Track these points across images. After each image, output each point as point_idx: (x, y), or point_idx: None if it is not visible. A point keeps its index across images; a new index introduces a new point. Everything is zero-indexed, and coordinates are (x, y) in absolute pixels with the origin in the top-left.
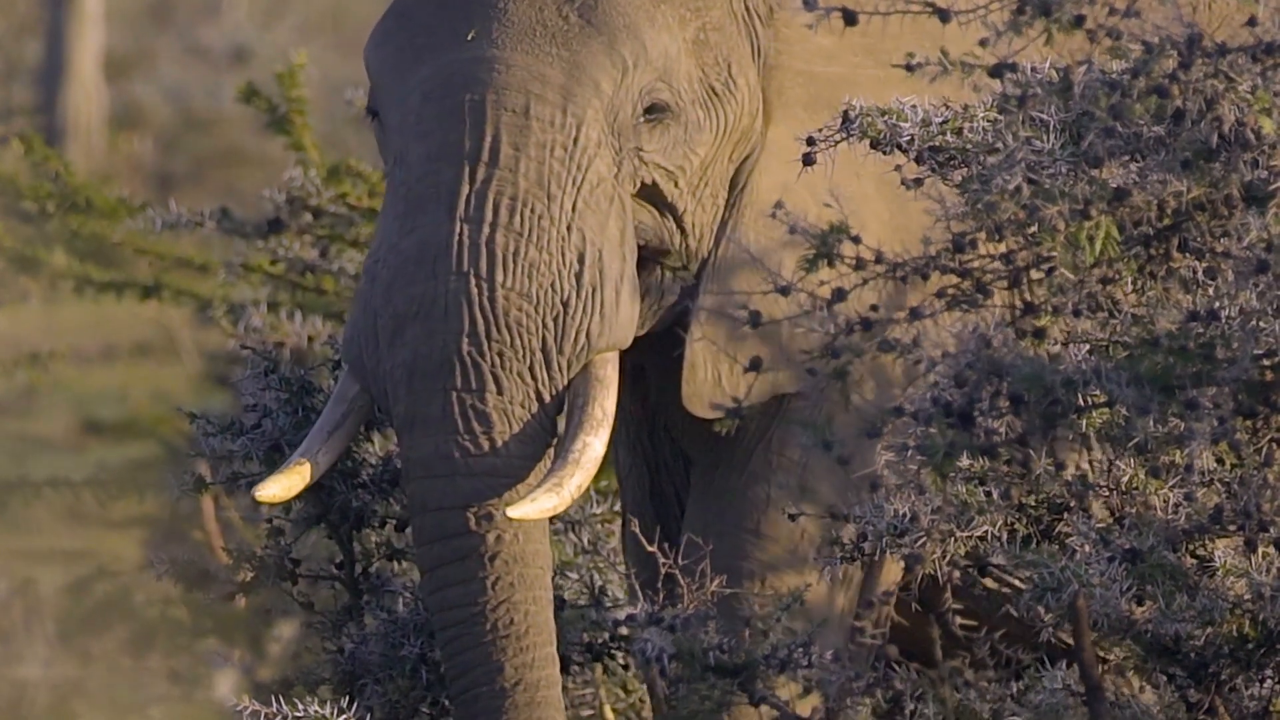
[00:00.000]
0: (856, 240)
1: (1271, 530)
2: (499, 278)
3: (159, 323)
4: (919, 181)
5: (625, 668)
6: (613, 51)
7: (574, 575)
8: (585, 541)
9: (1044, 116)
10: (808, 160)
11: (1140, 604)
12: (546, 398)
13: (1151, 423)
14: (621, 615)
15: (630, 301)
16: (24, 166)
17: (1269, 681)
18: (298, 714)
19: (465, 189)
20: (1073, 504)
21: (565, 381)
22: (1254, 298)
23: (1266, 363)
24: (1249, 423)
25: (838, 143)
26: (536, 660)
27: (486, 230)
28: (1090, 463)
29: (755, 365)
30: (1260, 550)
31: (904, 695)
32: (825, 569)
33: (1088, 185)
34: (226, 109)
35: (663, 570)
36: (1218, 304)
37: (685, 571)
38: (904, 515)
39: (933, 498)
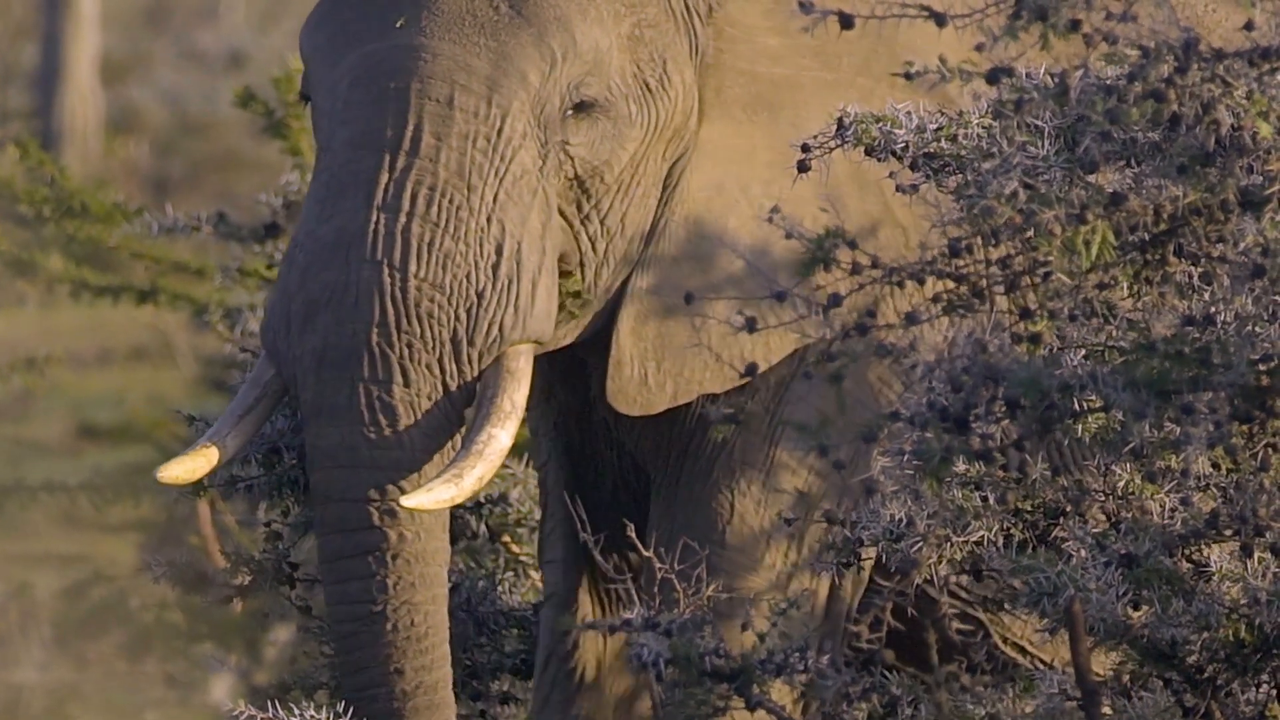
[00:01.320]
0: (853, 245)
1: (1268, 535)
2: (412, 267)
3: (155, 327)
4: (914, 188)
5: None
6: (541, 43)
7: None
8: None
9: (1039, 122)
10: (802, 167)
11: (1136, 609)
12: (455, 390)
13: (1147, 428)
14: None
15: (548, 295)
16: (20, 171)
17: (1265, 686)
18: (294, 719)
19: (384, 177)
20: (1069, 509)
21: (475, 374)
22: (1250, 303)
23: (1262, 368)
24: (1245, 428)
25: (832, 149)
26: (434, 661)
27: (403, 219)
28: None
29: (751, 371)
30: (1256, 555)
31: (900, 700)
32: (820, 573)
33: (1083, 190)
34: (223, 113)
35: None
36: (1213, 309)
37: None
38: (900, 520)
39: (929, 503)
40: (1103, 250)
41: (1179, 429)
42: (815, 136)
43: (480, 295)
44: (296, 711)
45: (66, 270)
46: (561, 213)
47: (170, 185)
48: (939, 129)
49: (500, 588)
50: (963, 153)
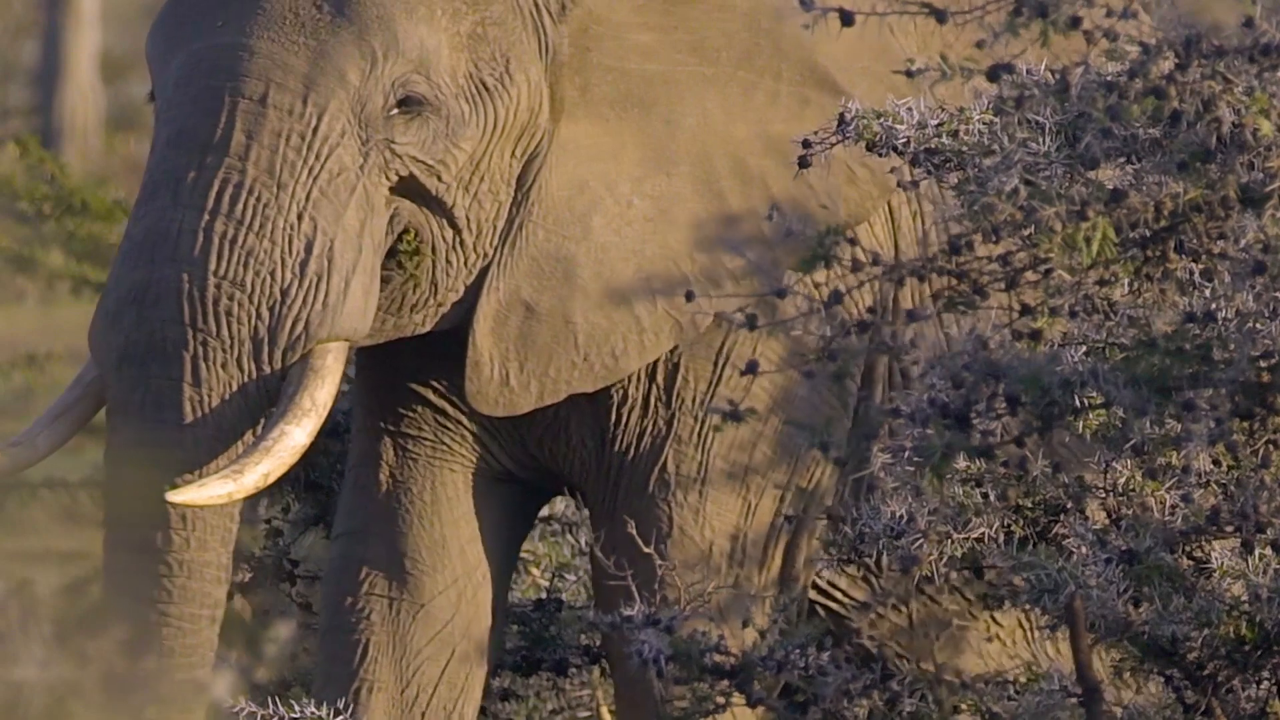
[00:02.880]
0: (853, 242)
1: (1268, 532)
2: (211, 265)
3: None
4: (915, 184)
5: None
6: (362, 42)
7: (572, 577)
8: (583, 543)
9: (1040, 118)
10: (803, 163)
11: (1137, 605)
12: (251, 389)
13: (1148, 424)
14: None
15: (363, 293)
16: (20, 168)
17: (1265, 683)
18: (294, 715)
19: (192, 175)
20: (1070, 505)
21: (278, 372)
22: (1250, 299)
23: (1263, 364)
24: (1246, 424)
25: (833, 145)
26: (182, 668)
27: (206, 217)
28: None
29: (752, 368)
30: (1257, 552)
31: (901, 696)
32: (822, 567)
33: (1084, 187)
34: None
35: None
36: (1214, 305)
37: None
38: (901, 517)
39: (929, 499)
40: (1103, 247)
41: (1180, 425)
42: (816, 133)
43: (285, 293)
44: (297, 708)
45: (67, 267)
46: (406, 208)
47: None
48: (940, 125)
49: None
50: (964, 149)
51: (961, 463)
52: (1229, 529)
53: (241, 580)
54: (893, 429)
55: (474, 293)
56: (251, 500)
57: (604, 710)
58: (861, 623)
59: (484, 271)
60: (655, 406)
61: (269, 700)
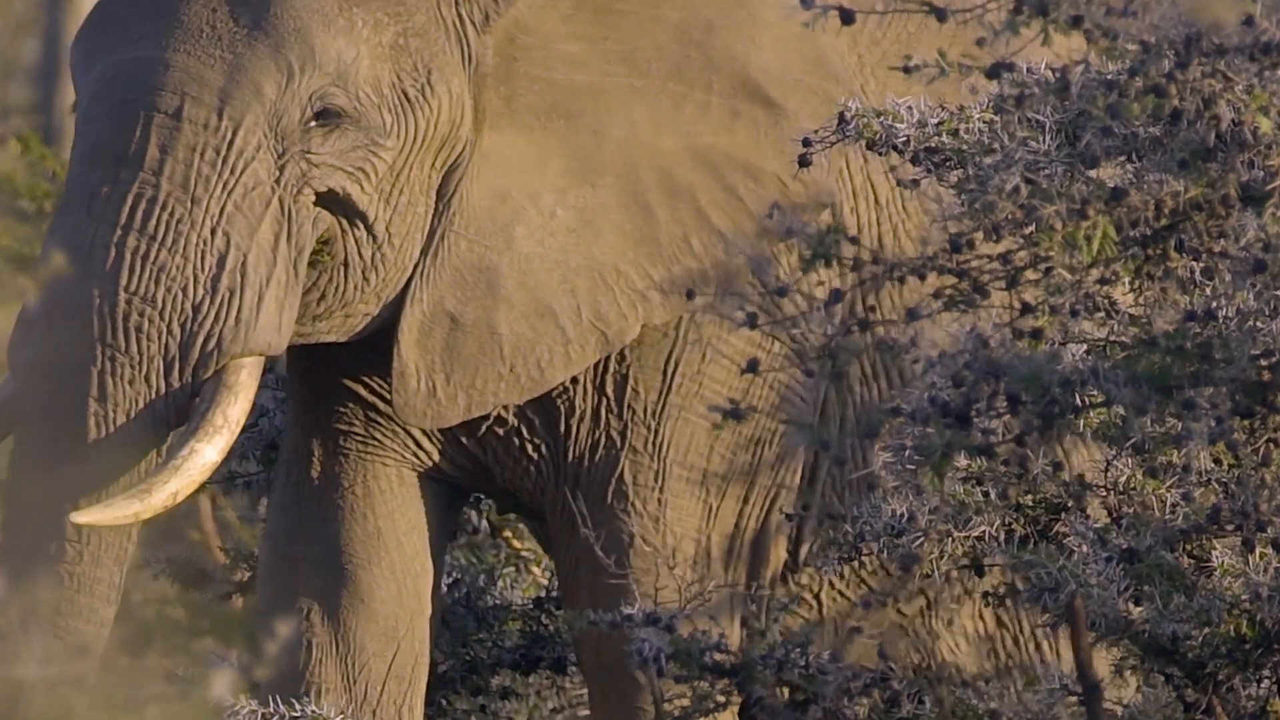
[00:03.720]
0: (854, 241)
1: (1269, 530)
2: (122, 281)
3: None
4: (916, 183)
5: None
6: (278, 55)
7: None
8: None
9: (1041, 117)
10: (803, 162)
11: (1138, 604)
12: (160, 406)
13: (1149, 423)
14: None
15: (277, 307)
16: (21, 165)
17: (1266, 682)
18: (294, 714)
19: (106, 190)
20: (1070, 504)
21: (190, 388)
22: (1251, 298)
23: (1264, 363)
24: (1246, 423)
25: (833, 144)
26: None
27: (119, 232)
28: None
29: (753, 367)
30: (1258, 550)
31: (901, 695)
32: (823, 568)
33: (1085, 185)
34: None
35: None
36: (1215, 304)
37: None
38: (901, 515)
39: (930, 498)
40: (1104, 245)
41: (1180, 424)
42: (816, 131)
43: (197, 309)
44: (297, 707)
45: None
46: (325, 219)
47: None
48: (940, 124)
49: (500, 583)
50: (964, 147)
51: (962, 461)
52: (1229, 527)
53: (241, 580)
54: (893, 427)
55: (397, 304)
56: (251, 500)
57: None
58: (862, 621)
59: (407, 283)
60: (607, 418)
61: (270, 699)
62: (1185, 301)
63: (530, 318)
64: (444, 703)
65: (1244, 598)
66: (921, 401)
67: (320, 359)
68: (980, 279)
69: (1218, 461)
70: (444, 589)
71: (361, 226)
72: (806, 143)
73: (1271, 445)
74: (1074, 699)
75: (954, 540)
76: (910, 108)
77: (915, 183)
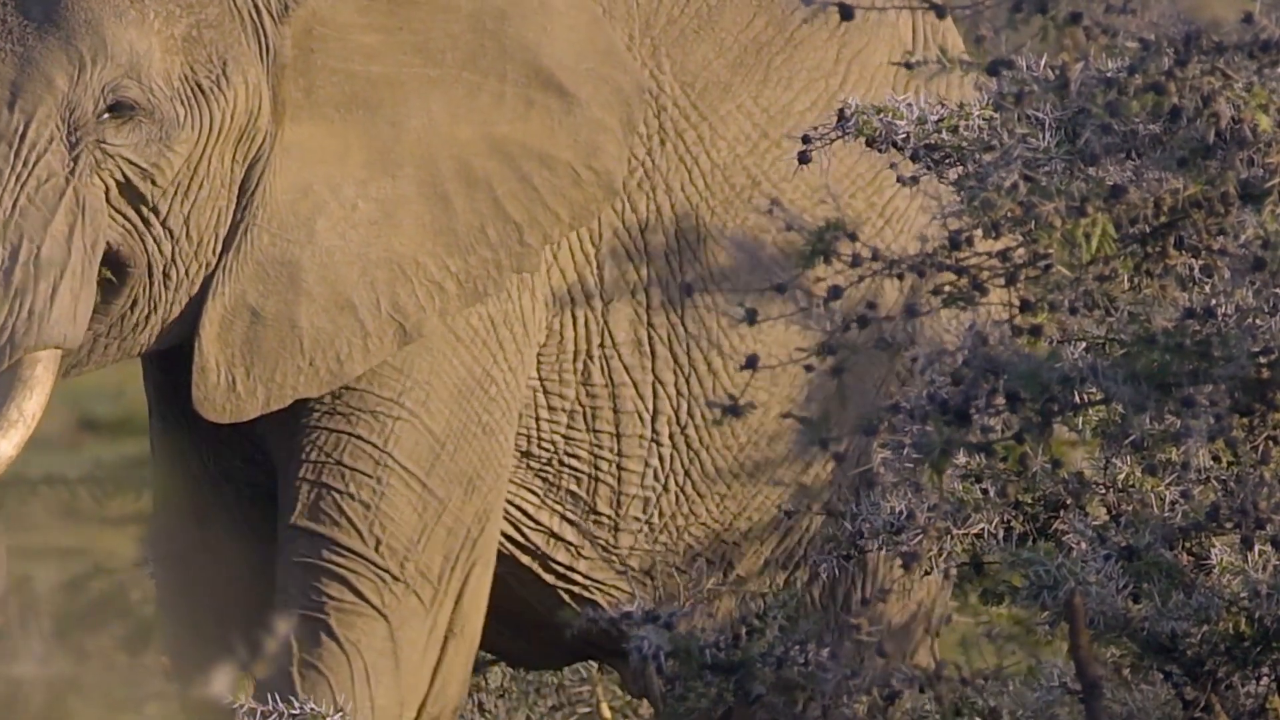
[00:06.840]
0: (853, 237)
1: (1268, 528)
2: None
3: None
4: (915, 179)
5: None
6: (69, 47)
7: None
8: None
9: (1040, 114)
10: (803, 159)
11: (1136, 602)
12: None
13: (1148, 420)
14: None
15: (72, 299)
16: None
17: (1265, 679)
18: (294, 711)
19: None
20: (1069, 501)
21: None
22: (1250, 295)
23: (1263, 360)
24: (1245, 420)
25: (833, 141)
26: None
27: None
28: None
29: (752, 363)
30: (1257, 548)
31: (900, 693)
32: (824, 567)
33: (1084, 183)
34: None
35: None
36: (1214, 301)
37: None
38: (900, 513)
39: (929, 495)
40: (1103, 242)
41: (1179, 422)
42: (816, 129)
43: None
44: (296, 704)
45: None
46: (121, 215)
47: None
48: (940, 120)
49: None
50: (963, 144)
51: (961, 458)
52: (1228, 525)
53: None
54: (892, 424)
55: (200, 300)
56: None
57: (603, 706)
58: (862, 620)
59: (209, 278)
60: (336, 406)
61: (269, 697)
62: (1184, 299)
63: (330, 311)
64: None
65: (1243, 595)
66: (921, 399)
67: (157, 359)
68: (979, 276)
69: (1217, 459)
70: None
71: (159, 223)
72: (806, 140)
73: (1270, 443)
74: (1074, 696)
75: (953, 538)
76: (910, 104)
77: (915, 179)
